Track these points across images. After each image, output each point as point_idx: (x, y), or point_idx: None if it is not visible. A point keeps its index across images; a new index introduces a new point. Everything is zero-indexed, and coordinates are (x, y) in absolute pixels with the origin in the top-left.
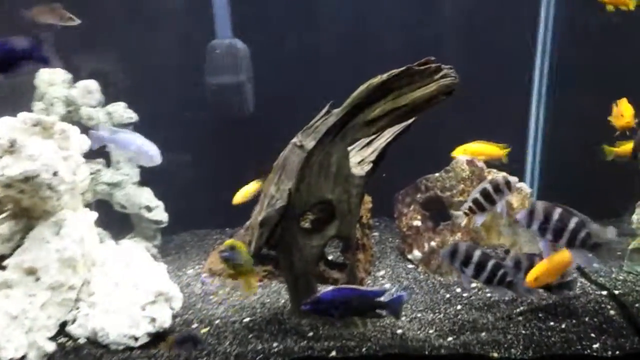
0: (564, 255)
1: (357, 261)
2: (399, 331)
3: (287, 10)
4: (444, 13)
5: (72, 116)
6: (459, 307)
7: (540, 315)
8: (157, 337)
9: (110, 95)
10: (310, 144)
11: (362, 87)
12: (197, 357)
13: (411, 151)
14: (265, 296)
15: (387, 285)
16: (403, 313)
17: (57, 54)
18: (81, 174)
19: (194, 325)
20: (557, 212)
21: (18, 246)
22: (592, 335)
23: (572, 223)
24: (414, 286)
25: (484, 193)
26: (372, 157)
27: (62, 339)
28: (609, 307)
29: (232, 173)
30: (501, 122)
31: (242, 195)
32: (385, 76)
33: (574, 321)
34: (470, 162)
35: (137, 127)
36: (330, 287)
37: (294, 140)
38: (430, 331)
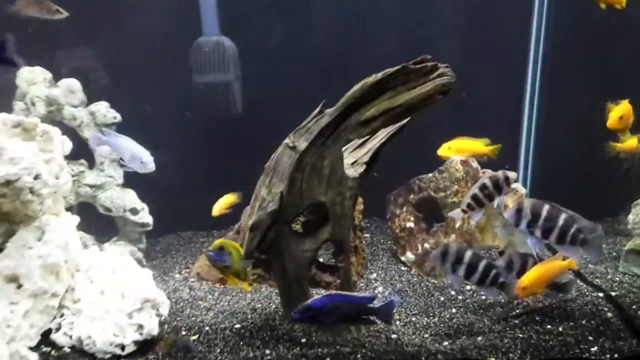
0: (553, 263)
1: (350, 264)
2: (394, 336)
3: (276, 6)
4: (437, 10)
5: (53, 116)
6: (453, 310)
7: (536, 317)
8: (144, 345)
9: (92, 95)
10: (302, 145)
11: (356, 87)
12: None
13: (402, 150)
14: (256, 301)
15: (380, 289)
16: (397, 317)
17: (20, 54)
18: (64, 177)
19: (182, 333)
20: (546, 209)
21: None
22: (590, 338)
23: (561, 220)
24: (407, 289)
25: (483, 189)
26: (366, 159)
27: (46, 348)
28: (605, 309)
29: (219, 173)
30: (494, 121)
31: (219, 207)
32: (380, 75)
33: (571, 324)
34: (464, 163)
35: (120, 127)
36: (321, 294)
37: (286, 141)
38: (426, 335)
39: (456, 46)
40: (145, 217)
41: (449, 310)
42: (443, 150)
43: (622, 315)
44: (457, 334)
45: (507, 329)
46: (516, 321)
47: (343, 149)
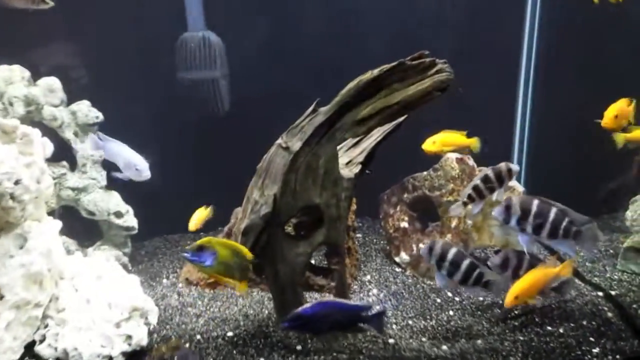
0: (546, 270)
1: (345, 267)
2: (391, 341)
3: None
4: (429, 8)
5: (33, 116)
6: (451, 312)
7: (536, 319)
8: (133, 356)
9: (73, 94)
10: (296, 145)
11: (351, 84)
12: None
13: (395, 148)
14: (247, 307)
15: (375, 291)
16: (394, 320)
17: None
18: (45, 181)
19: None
20: (535, 204)
21: None
22: (591, 339)
23: (552, 214)
24: (403, 291)
25: (485, 180)
26: (361, 158)
27: None
28: (605, 308)
29: (206, 174)
30: (487, 119)
31: (195, 223)
32: (376, 72)
33: (571, 325)
34: (460, 160)
35: (102, 127)
36: (314, 300)
37: (279, 141)
38: (423, 339)
39: (448, 45)
40: (130, 220)
41: (446, 313)
42: (428, 145)
43: (622, 315)
44: (455, 337)
45: (507, 331)
46: (515, 323)
47: (337, 148)
